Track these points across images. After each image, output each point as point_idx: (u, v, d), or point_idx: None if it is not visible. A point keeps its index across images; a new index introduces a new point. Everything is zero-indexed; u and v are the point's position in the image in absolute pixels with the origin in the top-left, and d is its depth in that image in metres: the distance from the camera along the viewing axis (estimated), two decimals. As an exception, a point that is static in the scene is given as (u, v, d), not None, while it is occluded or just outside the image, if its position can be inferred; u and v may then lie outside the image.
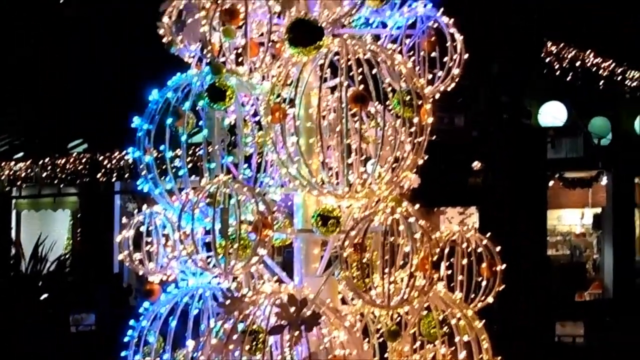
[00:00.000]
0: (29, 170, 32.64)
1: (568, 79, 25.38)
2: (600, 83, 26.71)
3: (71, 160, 31.15)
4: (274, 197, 8.92)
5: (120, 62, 27.55)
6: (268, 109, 8.20)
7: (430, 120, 8.33)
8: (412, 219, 7.97)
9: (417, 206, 8.39)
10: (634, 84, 27.30)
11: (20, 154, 33.48)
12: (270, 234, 7.94)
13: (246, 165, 8.81)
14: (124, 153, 28.74)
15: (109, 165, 29.64)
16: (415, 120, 8.16)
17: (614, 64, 26.75)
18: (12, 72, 30.44)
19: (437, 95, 9.31)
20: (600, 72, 26.67)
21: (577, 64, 25.64)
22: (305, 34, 8.17)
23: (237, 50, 8.66)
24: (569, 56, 25.06)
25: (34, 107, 31.49)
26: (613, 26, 25.43)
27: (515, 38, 22.04)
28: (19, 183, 33.57)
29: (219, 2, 8.49)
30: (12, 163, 33.23)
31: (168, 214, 8.77)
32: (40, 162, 32.03)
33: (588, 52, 25.72)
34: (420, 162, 8.42)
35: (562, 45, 24.64)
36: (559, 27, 24.08)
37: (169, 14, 9.37)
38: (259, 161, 8.98)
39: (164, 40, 9.32)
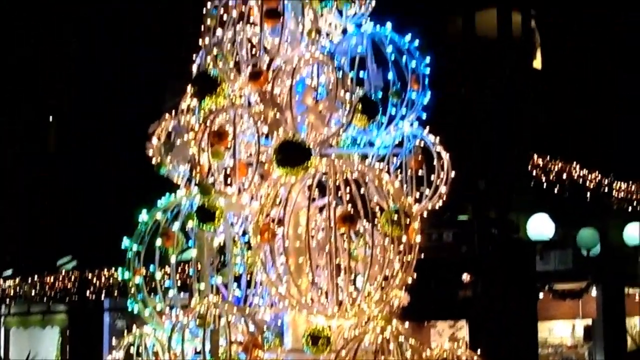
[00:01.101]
0: (18, 288, 32.52)
1: (555, 191, 25.55)
2: (588, 195, 26.89)
3: (60, 277, 31.07)
4: (264, 316, 8.90)
5: (109, 181, 27.79)
6: (257, 229, 8.25)
7: (419, 238, 8.39)
8: (402, 338, 7.96)
9: (407, 323, 8.40)
10: (621, 194, 27.53)
11: (9, 272, 33.40)
12: (261, 354, 7.91)
13: (236, 284, 8.82)
14: (113, 270, 28.69)
15: (97, 283, 29.55)
16: (404, 238, 8.21)
17: (600, 176, 26.99)
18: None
19: (425, 213, 9.39)
20: (587, 184, 26.88)
21: (564, 176, 25.85)
22: (293, 154, 8.28)
23: (225, 171, 8.75)
24: (556, 169, 25.30)
25: (24, 224, 31.65)
26: (599, 139, 25.79)
27: (501, 153, 22.38)
28: (7, 300, 33.42)
29: (207, 123, 8.60)
30: (1, 281, 33.13)
31: (158, 335, 8.73)
32: (29, 280, 31.92)
33: (574, 164, 25.97)
34: (410, 280, 8.44)
35: (548, 158, 24.89)
36: (545, 140, 24.39)
37: (157, 135, 9.52)
38: (248, 280, 9.00)
39: (153, 161, 9.45)
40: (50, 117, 31.33)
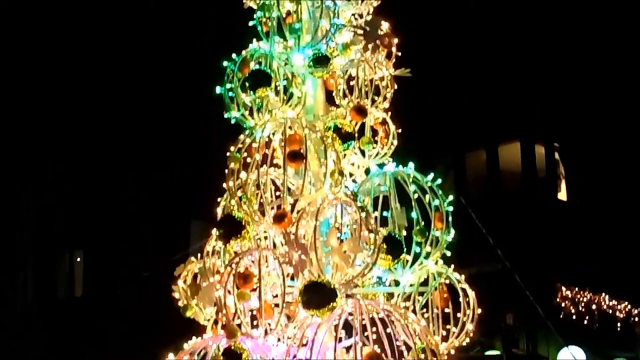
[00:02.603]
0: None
1: (585, 322, 25.27)
2: (618, 325, 26.58)
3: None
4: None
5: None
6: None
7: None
8: None
9: None
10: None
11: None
12: None
13: None
14: None
15: None
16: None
17: (630, 306, 26.71)
18: None
19: (453, 351, 9.31)
20: (617, 314, 26.58)
21: (593, 307, 25.60)
22: (319, 296, 8.28)
23: (252, 313, 8.75)
24: (584, 300, 25.09)
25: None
26: (627, 269, 25.61)
27: (528, 287, 22.23)
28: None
29: (232, 266, 8.65)
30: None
31: None
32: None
33: (603, 295, 25.75)
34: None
35: (576, 289, 24.74)
36: (573, 272, 24.27)
37: (183, 277, 9.56)
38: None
39: (180, 304, 9.47)
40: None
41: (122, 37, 29.43)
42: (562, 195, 25.22)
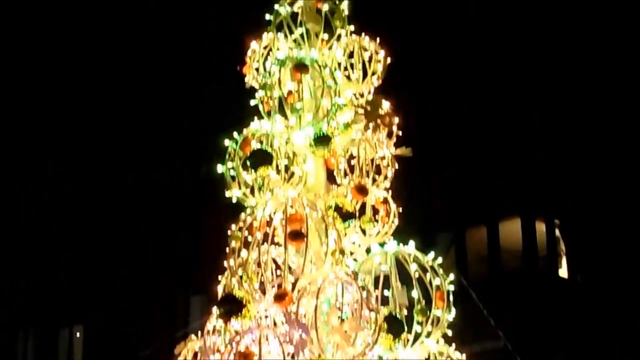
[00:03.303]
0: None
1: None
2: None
3: None
4: None
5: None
6: None
7: None
8: None
9: None
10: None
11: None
12: None
13: None
14: None
15: None
16: None
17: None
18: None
19: None
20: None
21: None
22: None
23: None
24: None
25: None
26: (627, 347, 25.47)
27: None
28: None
29: (233, 345, 8.63)
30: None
31: None
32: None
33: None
34: None
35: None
36: (578, 347, 24.14)
37: (184, 356, 9.53)
38: None
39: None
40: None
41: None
42: (563, 272, 25.15)
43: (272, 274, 9.25)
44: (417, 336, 9.32)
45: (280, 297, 8.83)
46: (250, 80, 10.54)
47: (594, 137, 25.58)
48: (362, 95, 10.47)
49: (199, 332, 9.54)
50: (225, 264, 9.28)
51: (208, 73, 27.67)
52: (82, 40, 30.08)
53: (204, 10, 28.27)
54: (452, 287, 9.51)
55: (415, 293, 9.35)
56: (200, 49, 28.37)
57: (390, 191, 10.14)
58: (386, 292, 9.46)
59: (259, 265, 9.14)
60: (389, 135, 10.28)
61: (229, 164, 9.74)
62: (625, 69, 25.52)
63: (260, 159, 9.46)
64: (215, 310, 9.17)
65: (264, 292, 8.99)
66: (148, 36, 29.27)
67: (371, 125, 10.04)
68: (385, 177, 10.06)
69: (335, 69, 10.28)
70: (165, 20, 28.99)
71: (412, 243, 9.63)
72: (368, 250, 9.84)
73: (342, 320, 8.93)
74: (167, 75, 29.04)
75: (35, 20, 30.77)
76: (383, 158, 10.08)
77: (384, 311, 8.94)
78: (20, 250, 32.87)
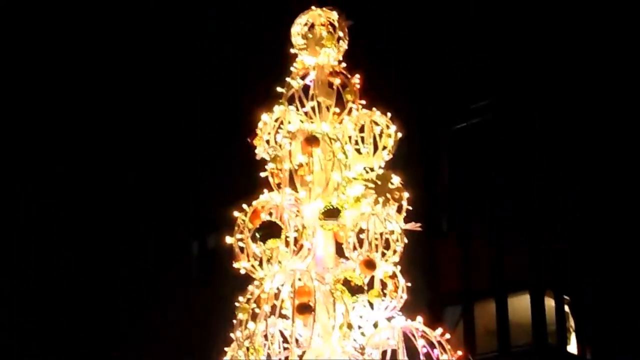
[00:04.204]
0: None
1: None
2: None
3: None
4: None
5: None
6: None
7: None
8: None
9: None
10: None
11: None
12: None
13: None
14: None
15: None
16: None
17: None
18: None
19: None
20: None
21: None
22: None
23: None
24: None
25: None
26: None
27: None
28: None
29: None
30: None
31: None
32: None
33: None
34: None
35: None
36: None
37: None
38: None
39: None
40: None
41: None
42: (572, 348, 24.96)
43: (279, 346, 9.21)
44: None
45: (286, 371, 8.79)
46: (261, 152, 10.58)
47: (604, 210, 25.56)
48: (372, 169, 10.50)
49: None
50: (232, 335, 9.25)
51: (219, 144, 27.80)
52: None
53: (216, 75, 28.49)
54: (459, 361, 9.45)
55: (423, 371, 9.29)
56: (212, 118, 28.57)
57: (399, 266, 10.11)
58: (394, 367, 9.41)
59: (266, 337, 9.11)
60: (399, 209, 10.28)
61: (238, 236, 9.74)
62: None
63: (269, 231, 9.47)
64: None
65: (270, 365, 8.96)
66: (159, 91, 29.45)
67: (381, 199, 10.05)
68: (394, 252, 10.05)
69: (345, 143, 10.32)
70: (176, 83, 29.20)
71: (420, 318, 9.58)
72: (376, 325, 9.79)
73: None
74: (178, 145, 29.19)
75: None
76: (392, 232, 10.08)
77: (391, 386, 8.88)
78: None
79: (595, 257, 25.47)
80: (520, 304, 24.16)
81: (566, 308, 24.88)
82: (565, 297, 24.73)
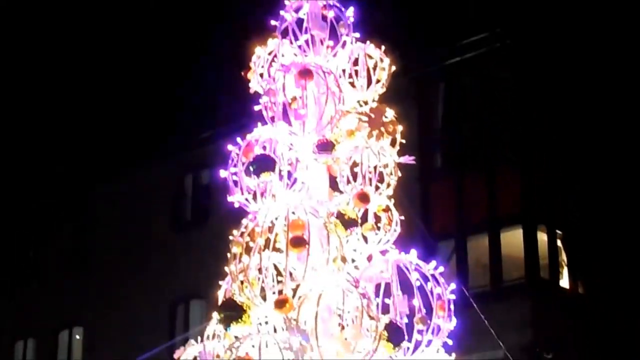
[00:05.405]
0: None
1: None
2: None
3: None
4: None
5: None
6: None
7: None
8: None
9: None
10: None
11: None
12: None
13: None
14: None
15: None
16: None
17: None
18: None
19: None
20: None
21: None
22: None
23: None
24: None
25: None
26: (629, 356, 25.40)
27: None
28: None
29: (232, 350, 8.62)
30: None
31: None
32: None
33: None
34: None
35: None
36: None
37: (183, 360, 9.52)
38: None
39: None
40: None
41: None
42: (565, 282, 25.12)
43: (273, 280, 9.25)
44: (417, 345, 9.30)
45: (280, 304, 8.82)
46: (255, 85, 10.52)
47: (598, 146, 25.56)
48: (366, 103, 10.45)
49: (199, 337, 9.52)
50: (226, 269, 9.28)
51: (213, 77, 27.68)
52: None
53: (209, 14, 28.31)
54: (453, 296, 9.49)
55: (416, 301, 9.33)
56: (205, 53, 28.41)
57: (392, 199, 10.12)
58: (387, 300, 9.44)
59: (260, 271, 9.14)
60: (392, 143, 10.26)
61: (232, 169, 9.72)
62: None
63: (263, 164, 9.45)
64: (215, 315, 9.16)
65: (264, 298, 8.98)
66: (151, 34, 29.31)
67: (374, 132, 10.01)
68: (388, 185, 10.05)
69: (339, 76, 10.27)
70: (169, 22, 29.04)
71: (413, 251, 9.61)
72: (369, 258, 9.82)
73: (343, 327, 8.92)
74: (171, 83, 29.09)
75: (29, 19, 30.77)
76: (386, 166, 10.06)
77: (385, 319, 8.92)
78: (18, 248, 32.90)
79: (589, 192, 25.53)
80: (513, 239, 24.25)
81: (559, 243, 24.98)
82: (558, 231, 24.83)
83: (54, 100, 31.04)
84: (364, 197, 9.77)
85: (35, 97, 31.31)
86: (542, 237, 24.41)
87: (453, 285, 9.55)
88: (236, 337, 8.83)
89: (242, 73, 10.67)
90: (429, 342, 9.35)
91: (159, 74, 29.22)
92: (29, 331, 32.21)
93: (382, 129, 10.05)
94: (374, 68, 10.48)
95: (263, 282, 9.08)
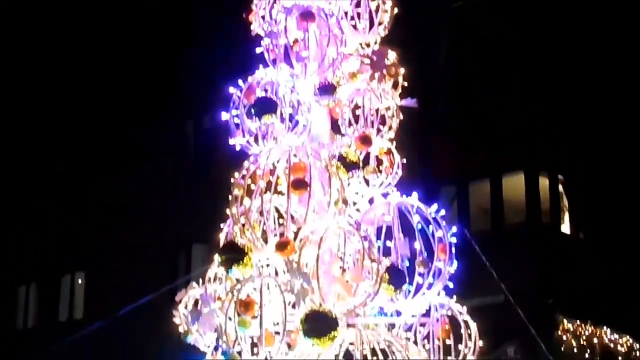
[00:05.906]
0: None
1: (586, 356, 25.16)
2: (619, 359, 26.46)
3: None
4: None
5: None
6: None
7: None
8: None
9: None
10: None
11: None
12: None
13: None
14: None
15: None
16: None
17: (632, 340, 26.57)
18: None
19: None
20: (619, 348, 26.44)
21: (595, 341, 25.47)
22: (320, 325, 8.25)
23: (252, 340, 8.72)
24: (586, 334, 24.97)
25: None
26: (630, 303, 25.54)
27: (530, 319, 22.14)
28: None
29: (234, 293, 8.63)
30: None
31: None
32: None
33: (605, 328, 25.62)
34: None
35: (578, 322, 24.62)
36: (575, 305, 24.17)
37: (185, 303, 9.54)
38: None
39: (180, 330, 9.44)
40: None
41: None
42: (566, 228, 25.17)
43: (274, 222, 9.25)
44: (418, 288, 9.32)
45: (282, 246, 8.84)
46: (257, 28, 10.43)
47: (601, 92, 25.49)
48: (368, 46, 10.37)
49: (201, 280, 9.55)
50: (228, 212, 9.27)
51: (214, 21, 27.50)
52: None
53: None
54: (454, 240, 9.49)
55: (418, 245, 9.34)
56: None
57: (394, 142, 10.09)
58: (388, 243, 9.45)
59: (261, 214, 9.13)
60: (395, 86, 10.20)
61: (234, 112, 9.68)
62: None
63: (264, 107, 9.40)
64: (217, 258, 9.17)
65: (266, 241, 8.99)
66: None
67: (377, 75, 9.96)
68: (390, 128, 10.01)
69: (342, 18, 10.18)
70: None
71: (415, 195, 9.59)
72: (371, 201, 9.82)
73: (344, 270, 8.94)
74: (172, 20, 28.91)
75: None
76: (388, 109, 10.03)
77: (386, 262, 8.93)
78: (21, 197, 32.94)
79: (590, 137, 25.49)
80: (515, 184, 24.26)
81: (560, 188, 24.99)
82: (560, 177, 24.83)
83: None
84: (365, 140, 9.75)
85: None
86: (544, 183, 24.42)
87: (454, 229, 9.54)
88: (238, 280, 8.85)
89: (244, 15, 10.58)
90: (430, 285, 9.37)
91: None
92: (32, 276, 32.37)
93: (385, 71, 9.99)
94: (377, 10, 10.38)
95: (265, 225, 9.08)
